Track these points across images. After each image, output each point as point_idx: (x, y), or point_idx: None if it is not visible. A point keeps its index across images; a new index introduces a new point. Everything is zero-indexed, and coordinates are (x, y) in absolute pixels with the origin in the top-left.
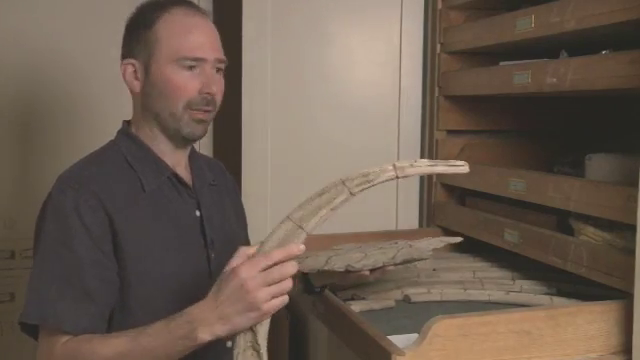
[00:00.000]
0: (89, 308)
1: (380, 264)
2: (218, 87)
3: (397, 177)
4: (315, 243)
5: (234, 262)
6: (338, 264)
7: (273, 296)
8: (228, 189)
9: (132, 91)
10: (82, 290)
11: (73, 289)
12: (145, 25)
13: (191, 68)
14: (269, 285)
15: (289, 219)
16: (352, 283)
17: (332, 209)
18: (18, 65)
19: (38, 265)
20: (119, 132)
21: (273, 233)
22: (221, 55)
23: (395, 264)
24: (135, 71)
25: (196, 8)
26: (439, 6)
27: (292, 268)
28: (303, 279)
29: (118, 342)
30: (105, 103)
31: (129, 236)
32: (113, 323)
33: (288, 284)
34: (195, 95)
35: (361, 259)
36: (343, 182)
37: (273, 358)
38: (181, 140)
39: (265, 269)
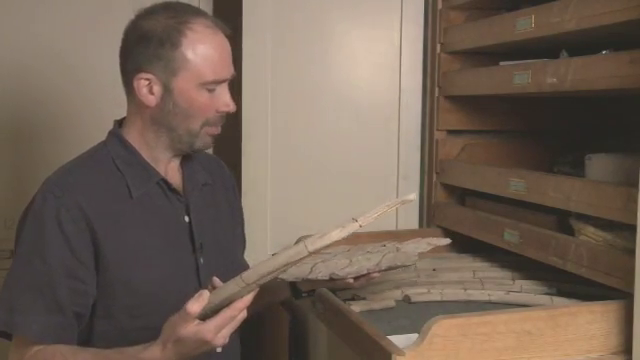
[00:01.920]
0: (58, 319)
1: (364, 271)
2: (232, 100)
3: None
4: None
5: (182, 327)
6: (322, 272)
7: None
8: (225, 186)
9: (144, 104)
10: (53, 301)
11: (44, 300)
12: (170, 43)
13: (213, 89)
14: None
15: (241, 279)
16: (339, 290)
17: (285, 266)
18: (16, 66)
19: (13, 271)
20: (110, 133)
21: (223, 289)
22: (233, 70)
23: (380, 270)
24: (150, 85)
25: (214, 21)
26: (439, 6)
27: (243, 316)
28: (290, 284)
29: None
30: (103, 104)
31: (112, 244)
32: (97, 329)
33: (240, 322)
34: (213, 113)
35: (345, 266)
36: (304, 243)
37: (273, 357)
38: (188, 152)
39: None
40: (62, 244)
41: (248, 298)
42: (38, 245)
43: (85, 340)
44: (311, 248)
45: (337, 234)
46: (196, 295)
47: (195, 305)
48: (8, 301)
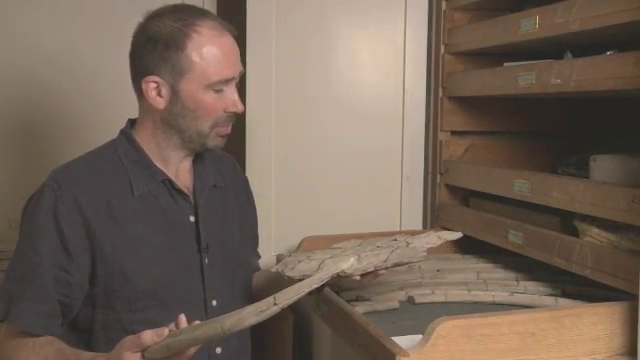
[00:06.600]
0: (46, 308)
1: (371, 268)
2: (240, 100)
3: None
4: (318, 244)
5: (129, 350)
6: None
7: None
8: (237, 187)
9: (153, 107)
10: (41, 290)
11: (33, 290)
12: (175, 46)
13: (220, 90)
14: None
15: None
16: (347, 287)
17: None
18: (22, 69)
19: (11, 261)
20: (121, 132)
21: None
22: (241, 67)
23: (387, 267)
24: (158, 88)
25: (221, 22)
26: (443, 7)
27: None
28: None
29: None
30: (108, 105)
31: (110, 237)
32: (97, 318)
33: None
34: (222, 114)
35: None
36: (221, 325)
37: (277, 358)
38: (201, 150)
39: None
40: (54, 236)
41: (189, 352)
42: (33, 237)
43: (87, 328)
44: (226, 329)
45: (252, 319)
46: (157, 329)
47: (150, 336)
48: (5, 291)
